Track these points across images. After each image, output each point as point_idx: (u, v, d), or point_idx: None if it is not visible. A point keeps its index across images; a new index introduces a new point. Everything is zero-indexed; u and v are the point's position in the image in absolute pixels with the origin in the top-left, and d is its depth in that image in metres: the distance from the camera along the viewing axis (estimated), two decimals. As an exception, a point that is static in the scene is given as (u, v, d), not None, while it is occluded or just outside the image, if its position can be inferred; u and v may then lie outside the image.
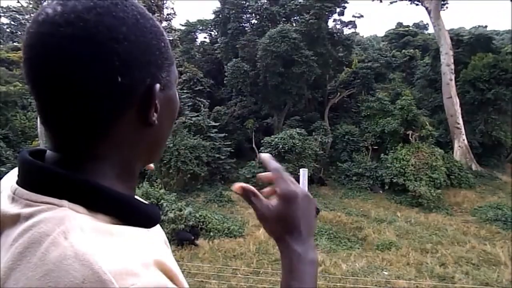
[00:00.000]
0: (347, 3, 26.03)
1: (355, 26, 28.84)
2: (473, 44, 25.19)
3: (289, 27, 23.36)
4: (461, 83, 23.44)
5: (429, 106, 25.64)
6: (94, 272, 0.45)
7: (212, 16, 29.34)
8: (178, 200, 15.03)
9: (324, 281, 10.05)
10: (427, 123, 21.17)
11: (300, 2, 25.49)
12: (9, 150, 21.54)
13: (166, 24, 23.58)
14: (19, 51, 32.75)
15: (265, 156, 0.80)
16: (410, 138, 20.28)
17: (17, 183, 0.58)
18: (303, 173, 3.60)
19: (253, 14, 27.02)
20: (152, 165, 0.78)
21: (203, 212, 14.56)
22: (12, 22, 41.68)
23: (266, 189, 0.77)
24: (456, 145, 22.40)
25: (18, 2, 22.80)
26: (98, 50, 0.53)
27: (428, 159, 18.92)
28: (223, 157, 21.07)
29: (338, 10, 25.86)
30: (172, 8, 42.18)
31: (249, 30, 26.79)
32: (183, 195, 17.24)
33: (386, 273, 11.01)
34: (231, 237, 13.56)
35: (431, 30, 34.51)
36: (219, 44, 28.00)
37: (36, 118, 20.86)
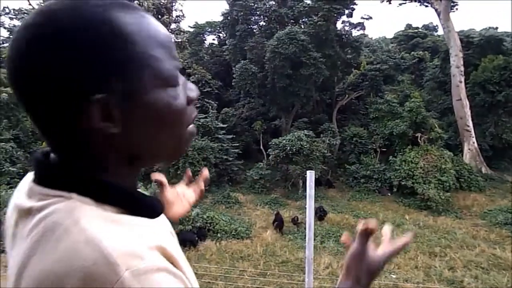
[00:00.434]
0: (356, 4, 25.93)
1: (363, 28, 28.65)
2: (483, 46, 24.94)
3: (297, 29, 23.34)
4: (471, 85, 23.22)
5: (439, 108, 25.44)
6: (103, 255, 0.50)
7: (220, 18, 29.46)
8: (185, 201, 15.08)
9: (331, 283, 10.01)
10: (436, 126, 20.99)
11: (308, 4, 25.50)
12: (20, 151, 21.82)
13: (175, 26, 23.72)
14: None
15: (387, 229, 0.93)
16: (419, 141, 20.13)
17: (33, 181, 0.64)
18: (310, 175, 3.61)
19: (262, 16, 27.08)
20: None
21: (211, 213, 14.60)
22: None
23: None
24: (465, 147, 22.19)
25: (30, 4, 23.02)
26: (46, 58, 0.56)
27: (437, 161, 18.76)
28: (231, 159, 21.11)
29: (346, 11, 25.74)
30: (181, 10, 42.41)
31: (257, 32, 26.84)
32: (191, 197, 17.28)
33: (394, 276, 10.94)
34: (238, 238, 13.57)
35: (440, 31, 34.25)
36: (227, 46, 28.08)
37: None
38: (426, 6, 26.58)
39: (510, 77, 21.95)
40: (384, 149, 21.94)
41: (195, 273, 0.68)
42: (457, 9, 26.98)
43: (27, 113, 0.61)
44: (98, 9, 0.59)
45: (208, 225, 13.84)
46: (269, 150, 20.10)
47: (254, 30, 27.29)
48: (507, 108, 22.20)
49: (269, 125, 25.29)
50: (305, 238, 3.76)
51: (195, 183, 1.18)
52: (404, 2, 28.15)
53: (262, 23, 27.44)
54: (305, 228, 3.85)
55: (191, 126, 0.73)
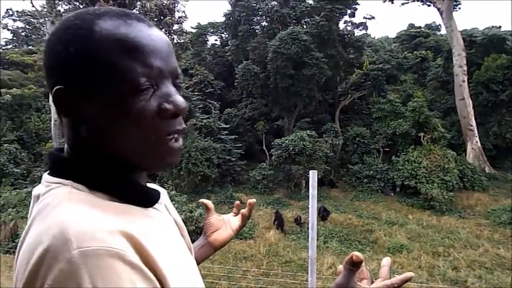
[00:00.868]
0: (358, 4, 25.83)
1: (366, 28, 28.56)
2: (486, 45, 24.80)
3: (300, 29, 23.32)
4: (474, 85, 23.11)
5: (441, 108, 25.34)
6: (61, 231, 0.55)
7: (222, 19, 29.44)
8: (188, 201, 15.11)
9: (335, 283, 10.00)
10: (439, 125, 20.91)
11: (310, 4, 25.45)
12: (23, 152, 21.93)
13: (178, 27, 23.74)
14: (33, 55, 33.24)
15: (386, 262, 0.97)
16: (422, 140, 20.06)
17: (47, 172, 0.73)
18: (313, 175, 3.62)
19: (264, 17, 27.06)
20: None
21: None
22: (27, 26, 42.40)
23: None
24: (469, 147, 22.09)
25: (33, 6, 23.13)
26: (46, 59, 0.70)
27: (440, 161, 18.69)
28: (233, 159, 21.13)
29: (349, 11, 25.67)
30: (184, 11, 42.45)
31: (259, 32, 26.84)
32: (194, 197, 17.31)
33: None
34: (241, 239, 13.57)
35: (443, 31, 34.10)
36: (229, 46, 28.10)
37: (50, 120, 21.18)
38: (429, 5, 26.46)
39: (513, 76, 21.84)
40: (387, 149, 21.89)
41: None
42: (460, 8, 26.79)
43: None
44: (88, 16, 0.68)
45: (211, 225, 13.83)
46: (271, 150, 20.10)
47: (256, 31, 27.30)
48: (510, 107, 22.08)
49: (272, 125, 25.29)
50: (308, 238, 3.76)
51: (243, 211, 1.19)
52: (407, 1, 28.05)
53: (264, 23, 27.43)
54: (308, 228, 3.85)
55: (172, 141, 0.71)
